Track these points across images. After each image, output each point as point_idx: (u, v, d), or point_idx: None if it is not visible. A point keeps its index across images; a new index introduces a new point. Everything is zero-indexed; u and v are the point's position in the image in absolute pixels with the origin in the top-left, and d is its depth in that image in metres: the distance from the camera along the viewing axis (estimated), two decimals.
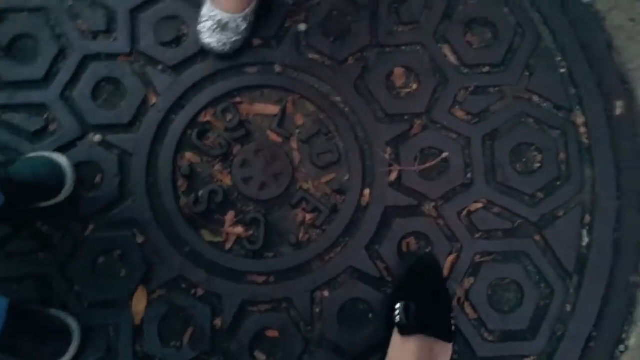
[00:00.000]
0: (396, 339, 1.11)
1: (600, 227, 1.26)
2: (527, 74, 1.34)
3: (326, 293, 1.24)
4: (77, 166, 1.27)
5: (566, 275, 1.24)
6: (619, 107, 1.33)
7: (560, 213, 1.27)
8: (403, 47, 1.36)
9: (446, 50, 1.36)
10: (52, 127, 1.31)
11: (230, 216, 1.29)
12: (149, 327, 1.22)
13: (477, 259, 1.25)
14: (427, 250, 1.25)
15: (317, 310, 1.23)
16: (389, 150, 1.31)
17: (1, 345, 1.10)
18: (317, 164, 1.31)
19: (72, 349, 1.18)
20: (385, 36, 1.36)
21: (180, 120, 1.32)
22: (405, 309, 1.11)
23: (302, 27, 1.37)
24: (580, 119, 1.32)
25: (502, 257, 1.25)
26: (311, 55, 1.35)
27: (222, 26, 1.27)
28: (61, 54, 1.34)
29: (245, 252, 1.27)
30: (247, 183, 1.30)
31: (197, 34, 1.31)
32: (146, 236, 1.26)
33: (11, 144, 1.29)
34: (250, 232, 1.27)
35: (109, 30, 1.36)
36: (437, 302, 1.16)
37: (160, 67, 1.34)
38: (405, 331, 1.09)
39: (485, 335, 1.22)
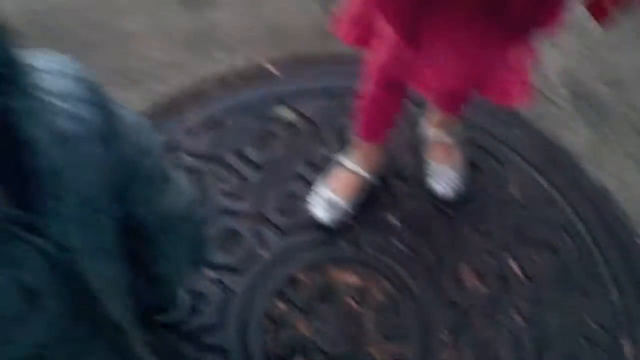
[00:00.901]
0: None
1: None
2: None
3: None
4: (189, 292, 1.56)
5: None
6: None
7: None
8: (476, 252, 1.62)
9: (512, 263, 1.61)
10: None
11: None
12: None
13: None
14: None
15: None
16: (448, 333, 1.51)
17: None
18: (385, 335, 1.52)
19: None
20: (461, 243, 1.63)
21: (279, 274, 1.60)
22: None
23: (393, 220, 1.67)
24: (627, 347, 1.48)
25: None
26: (396, 243, 1.64)
27: (332, 205, 1.60)
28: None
29: None
30: (323, 337, 1.52)
31: (309, 206, 1.64)
32: None
33: None
34: None
35: (240, 195, 1.72)
36: None
37: (274, 229, 1.66)
38: None
39: None
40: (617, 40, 1.95)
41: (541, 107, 1.85)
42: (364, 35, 1.30)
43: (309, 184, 1.72)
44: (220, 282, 1.59)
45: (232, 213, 1.68)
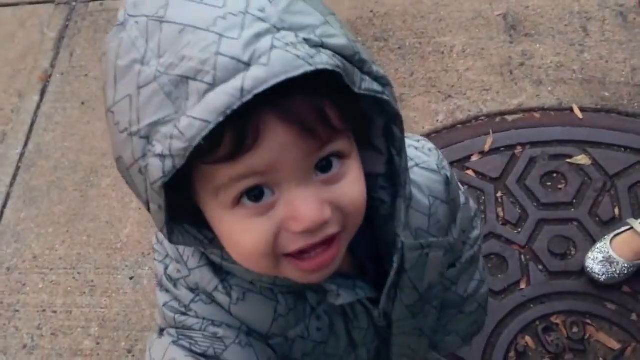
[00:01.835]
0: None
1: None
2: None
3: None
4: None
5: None
6: None
7: None
8: None
9: None
10: None
11: None
12: None
13: None
14: None
15: None
16: None
17: None
18: None
19: None
20: None
21: (536, 310, 1.63)
22: None
23: None
24: None
25: None
26: None
27: (609, 262, 1.58)
28: None
29: None
30: None
31: (584, 257, 1.63)
32: None
33: None
34: None
35: (516, 225, 1.77)
36: None
37: (541, 267, 1.69)
38: None
39: None
40: None
41: None
42: None
43: (587, 234, 1.71)
44: None
45: (505, 240, 1.75)
